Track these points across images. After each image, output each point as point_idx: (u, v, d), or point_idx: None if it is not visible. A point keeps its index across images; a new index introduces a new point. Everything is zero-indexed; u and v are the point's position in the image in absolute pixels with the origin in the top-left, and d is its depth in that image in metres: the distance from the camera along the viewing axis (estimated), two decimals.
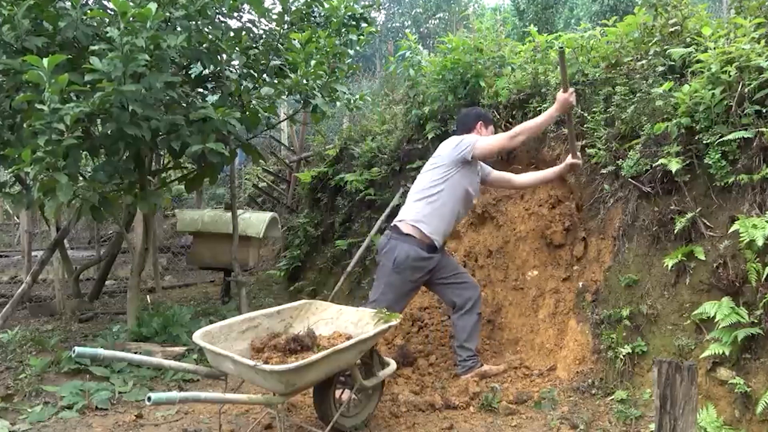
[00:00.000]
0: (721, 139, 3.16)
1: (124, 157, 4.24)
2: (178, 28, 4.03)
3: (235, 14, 4.60)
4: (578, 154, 3.84)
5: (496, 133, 3.92)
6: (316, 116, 5.09)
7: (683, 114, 3.37)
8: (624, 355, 3.33)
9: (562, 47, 3.60)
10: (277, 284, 6.94)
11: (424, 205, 3.63)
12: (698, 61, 3.41)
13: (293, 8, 4.79)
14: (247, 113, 4.59)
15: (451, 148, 3.68)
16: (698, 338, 3.12)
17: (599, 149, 3.83)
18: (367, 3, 5.42)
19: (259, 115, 4.73)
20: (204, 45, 4.28)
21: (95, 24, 3.96)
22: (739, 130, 3.12)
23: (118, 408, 3.50)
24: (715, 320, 2.91)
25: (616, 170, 3.75)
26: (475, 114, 3.89)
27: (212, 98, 4.83)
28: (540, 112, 4.26)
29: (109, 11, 4.00)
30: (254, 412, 3.39)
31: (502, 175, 4.02)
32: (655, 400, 1.93)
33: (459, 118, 3.98)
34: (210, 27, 4.24)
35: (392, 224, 3.75)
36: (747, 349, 2.86)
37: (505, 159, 4.55)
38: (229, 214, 5.45)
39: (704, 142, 3.28)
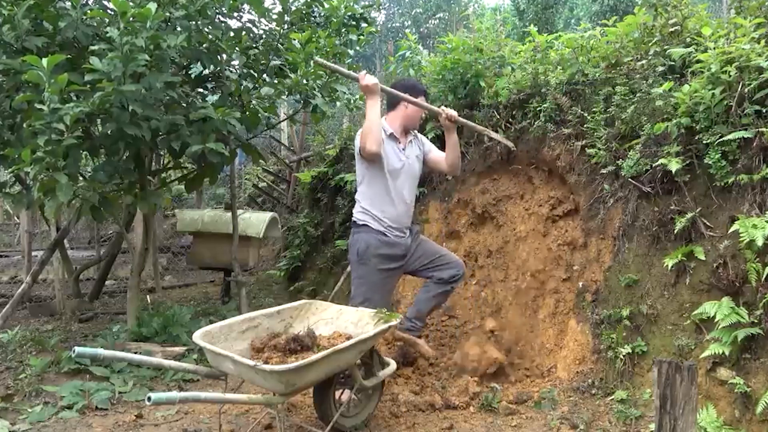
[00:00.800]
0: (721, 139, 3.17)
1: (124, 157, 4.24)
2: (178, 28, 4.03)
3: (235, 14, 4.60)
4: (440, 109, 3.68)
5: (426, 101, 3.81)
6: (316, 116, 5.09)
7: (683, 114, 3.37)
8: (624, 355, 3.33)
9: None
10: (277, 284, 6.93)
11: (361, 198, 3.67)
12: (698, 61, 3.41)
13: (293, 8, 4.79)
14: (247, 113, 4.59)
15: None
16: (698, 338, 3.12)
17: (599, 149, 3.83)
18: (367, 3, 5.42)
19: (259, 115, 4.73)
20: (204, 45, 4.28)
21: (95, 24, 3.95)
22: (739, 130, 3.12)
23: (118, 408, 3.50)
24: (715, 320, 2.91)
25: (616, 170, 3.75)
26: (401, 87, 3.69)
27: (212, 98, 4.83)
28: (540, 112, 4.27)
29: (109, 11, 4.00)
30: (254, 412, 3.39)
31: (436, 157, 3.88)
32: (655, 400, 1.93)
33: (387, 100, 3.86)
34: (210, 27, 4.24)
35: (351, 221, 3.77)
36: (747, 349, 2.86)
37: (505, 159, 4.55)
38: (229, 214, 5.44)
39: (704, 142, 3.28)
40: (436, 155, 3.88)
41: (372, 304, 3.30)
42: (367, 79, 3.47)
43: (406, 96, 3.62)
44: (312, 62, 4.11)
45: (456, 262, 3.80)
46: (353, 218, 3.71)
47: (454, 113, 3.68)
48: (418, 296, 3.84)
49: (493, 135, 3.99)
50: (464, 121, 3.89)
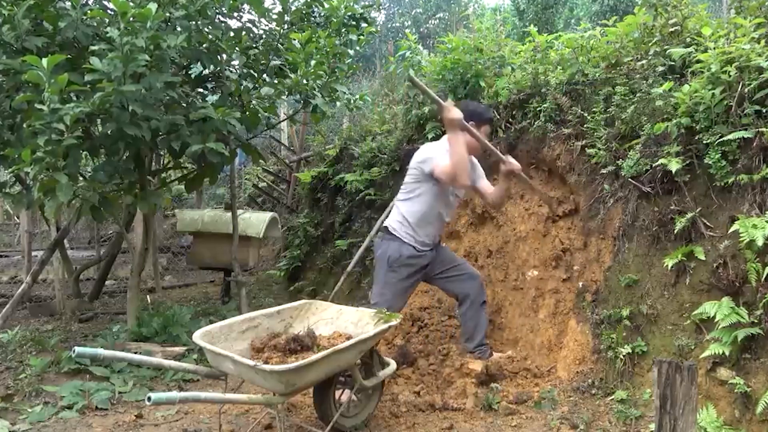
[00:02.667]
0: (721, 139, 3.16)
1: (124, 157, 4.24)
2: (178, 28, 4.03)
3: (235, 14, 4.60)
4: (505, 157, 3.68)
5: (491, 132, 3.86)
6: (316, 116, 5.09)
7: (683, 114, 3.37)
8: (624, 355, 3.33)
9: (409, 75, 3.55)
10: (277, 284, 6.94)
11: (405, 211, 3.70)
12: (698, 61, 3.41)
13: (293, 8, 4.80)
14: (247, 113, 4.59)
15: (417, 161, 3.67)
16: (698, 338, 3.12)
17: (599, 149, 3.83)
18: (367, 3, 5.42)
19: (259, 115, 4.73)
20: (204, 45, 4.28)
21: (95, 24, 3.96)
22: (739, 130, 3.12)
23: (118, 408, 3.50)
24: (715, 320, 2.91)
25: (616, 170, 3.75)
26: (468, 113, 3.63)
27: (212, 98, 4.83)
28: (540, 112, 4.27)
29: (109, 11, 4.00)
30: (254, 412, 3.39)
31: (484, 188, 3.87)
32: (655, 400, 1.93)
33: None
34: (210, 27, 4.24)
35: (383, 226, 3.83)
36: (747, 349, 2.86)
37: None
38: (229, 214, 5.44)
39: (704, 142, 3.28)
40: (485, 186, 3.87)
41: (393, 310, 3.34)
42: (454, 112, 3.40)
43: (474, 132, 3.54)
44: (407, 79, 4.09)
45: (471, 273, 3.90)
46: (388, 225, 3.75)
47: (517, 167, 3.64)
48: (463, 318, 3.89)
49: (546, 196, 4.09)
50: (524, 177, 3.82)
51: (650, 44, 3.92)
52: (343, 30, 5.05)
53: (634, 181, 3.63)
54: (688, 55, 3.62)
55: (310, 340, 2.94)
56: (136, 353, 3.48)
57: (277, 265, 7.11)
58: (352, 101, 5.24)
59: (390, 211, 4.70)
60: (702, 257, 3.17)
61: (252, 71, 4.78)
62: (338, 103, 5.21)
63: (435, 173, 3.56)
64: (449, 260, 3.89)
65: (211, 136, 4.02)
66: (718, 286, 3.08)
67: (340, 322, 3.24)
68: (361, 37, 5.20)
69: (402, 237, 3.67)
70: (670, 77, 3.63)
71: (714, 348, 2.87)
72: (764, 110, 3.14)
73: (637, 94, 3.72)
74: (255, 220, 5.94)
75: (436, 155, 3.61)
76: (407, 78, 3.76)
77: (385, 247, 3.70)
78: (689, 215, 3.26)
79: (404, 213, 3.70)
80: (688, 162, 3.37)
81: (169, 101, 4.01)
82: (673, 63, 3.73)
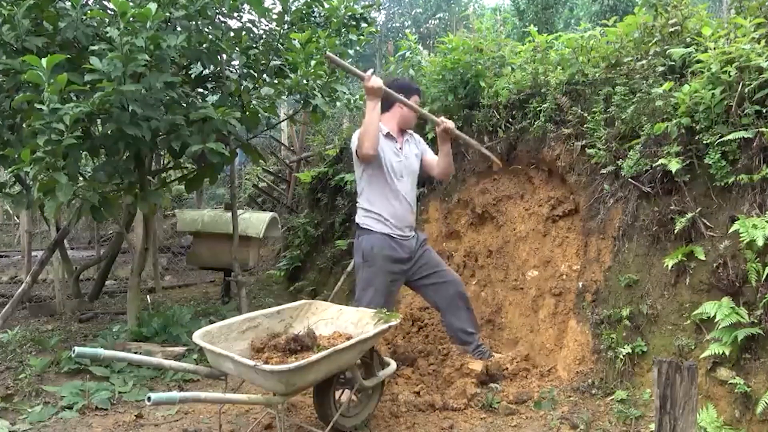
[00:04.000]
0: (721, 139, 3.16)
1: (124, 157, 4.24)
2: (178, 28, 4.03)
3: (235, 14, 4.60)
4: (439, 119, 3.73)
5: (420, 103, 3.87)
6: (316, 116, 5.09)
7: (683, 114, 3.37)
8: (624, 355, 3.33)
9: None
10: (277, 284, 6.94)
11: (362, 200, 3.69)
12: (698, 61, 3.41)
13: (293, 8, 4.79)
14: (247, 113, 4.59)
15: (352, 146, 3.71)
16: (698, 338, 3.12)
17: (599, 149, 3.83)
18: (367, 3, 5.42)
19: (259, 115, 4.73)
20: (204, 45, 4.27)
21: (95, 24, 3.96)
22: (739, 130, 3.12)
23: (118, 408, 3.50)
24: (715, 320, 2.91)
25: (616, 170, 3.75)
26: (396, 86, 3.70)
27: (212, 98, 4.83)
28: (540, 112, 4.27)
29: (109, 11, 4.01)
30: (254, 412, 3.39)
31: (430, 160, 3.91)
32: (655, 400, 1.93)
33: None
34: (210, 27, 4.24)
35: (354, 225, 3.79)
36: (747, 349, 2.85)
37: (504, 159, 4.54)
38: (229, 214, 5.44)
39: (704, 142, 3.28)
40: (430, 158, 3.93)
41: (377, 308, 3.31)
42: (373, 80, 3.45)
43: (402, 98, 3.64)
44: (324, 57, 4.14)
45: (454, 280, 3.85)
46: (356, 222, 3.73)
47: (451, 125, 3.68)
48: (449, 329, 3.89)
49: (485, 151, 4.04)
50: (460, 134, 3.87)
51: (650, 44, 3.92)
52: (343, 30, 5.05)
53: (634, 181, 3.63)
54: (688, 55, 3.62)
55: (310, 340, 2.94)
56: (136, 353, 3.48)
57: (277, 265, 7.12)
58: (352, 101, 5.24)
59: None
60: (702, 257, 3.17)
61: (252, 71, 4.78)
62: (338, 103, 5.21)
63: (355, 145, 3.59)
64: (434, 263, 3.82)
65: (211, 136, 4.02)
66: (718, 286, 3.08)
67: (340, 322, 3.24)
68: (361, 37, 5.19)
69: (371, 227, 3.61)
70: (670, 77, 3.63)
71: (714, 348, 2.87)
72: (764, 110, 3.14)
73: (637, 94, 3.72)
74: (255, 220, 5.94)
75: (356, 135, 3.63)
76: (324, 57, 3.79)
77: (357, 244, 3.67)
78: (689, 215, 3.26)
79: (362, 203, 3.68)
80: (688, 162, 3.37)
81: (169, 101, 4.01)
82: (673, 63, 3.73)
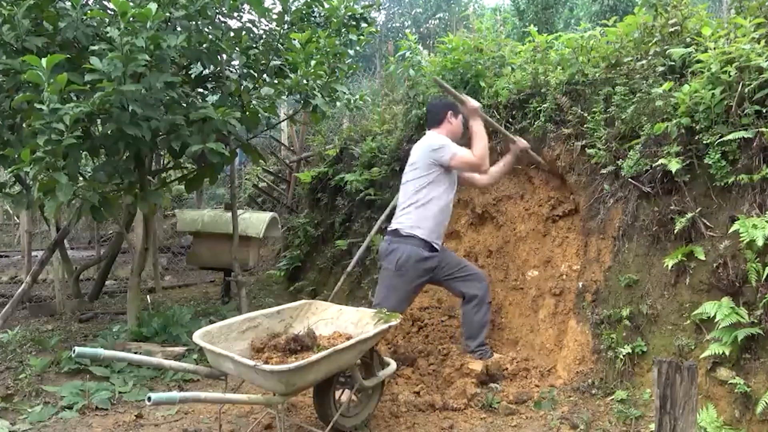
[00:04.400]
0: (721, 139, 3.16)
1: (124, 157, 4.24)
2: (178, 28, 4.03)
3: (235, 14, 4.60)
4: (515, 137, 4.10)
5: (464, 123, 4.00)
6: (316, 116, 5.09)
7: (683, 114, 3.37)
8: (624, 355, 3.33)
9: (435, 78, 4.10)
10: (277, 284, 6.93)
11: (415, 211, 3.71)
12: (698, 61, 3.41)
13: (293, 8, 4.79)
14: (247, 113, 4.59)
15: (427, 152, 3.72)
16: (698, 338, 3.12)
17: (599, 149, 3.83)
18: (367, 3, 5.42)
19: (259, 115, 4.72)
20: (204, 45, 4.27)
21: (95, 24, 3.96)
22: (739, 130, 3.12)
23: (118, 408, 3.50)
24: (715, 320, 2.91)
25: (616, 170, 3.75)
26: (443, 105, 3.96)
27: (212, 98, 4.83)
28: (540, 112, 4.27)
29: (109, 11, 4.01)
30: (254, 412, 3.39)
31: (471, 175, 4.08)
32: (655, 400, 1.93)
33: (428, 109, 4.04)
34: (210, 27, 4.24)
35: (390, 229, 3.82)
36: (747, 349, 2.85)
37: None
38: (229, 214, 5.44)
39: (704, 142, 3.28)
40: (467, 175, 4.09)
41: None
42: (473, 102, 3.85)
43: (494, 123, 4.07)
44: (432, 80, 4.52)
45: (479, 274, 3.94)
46: (398, 227, 3.74)
47: (527, 144, 4.12)
48: (462, 323, 3.93)
49: (537, 158, 4.25)
50: (534, 154, 4.20)
51: (650, 44, 3.92)
52: (343, 30, 5.05)
53: (634, 181, 3.63)
54: (688, 55, 3.62)
55: (310, 340, 2.94)
56: (136, 353, 3.48)
57: (277, 265, 7.12)
58: (352, 101, 5.24)
59: (390, 212, 4.73)
60: (702, 257, 3.17)
61: (252, 71, 4.78)
62: (338, 103, 5.21)
63: (453, 162, 3.66)
64: (455, 263, 3.90)
65: (211, 136, 4.02)
66: (718, 286, 3.08)
67: (340, 322, 3.24)
68: (361, 37, 5.19)
69: (416, 235, 3.65)
70: (670, 77, 3.63)
71: (714, 348, 2.87)
72: (764, 110, 3.14)
73: (637, 94, 3.72)
74: (255, 220, 5.94)
75: (450, 144, 3.72)
76: (433, 80, 4.24)
77: (393, 250, 3.69)
78: (689, 215, 3.26)
79: (416, 209, 3.69)
80: (688, 162, 3.37)
81: (169, 101, 4.01)
82: (673, 63, 3.73)
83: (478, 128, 3.76)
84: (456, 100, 3.87)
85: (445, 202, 3.77)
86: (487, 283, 3.93)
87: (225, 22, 4.57)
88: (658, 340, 3.31)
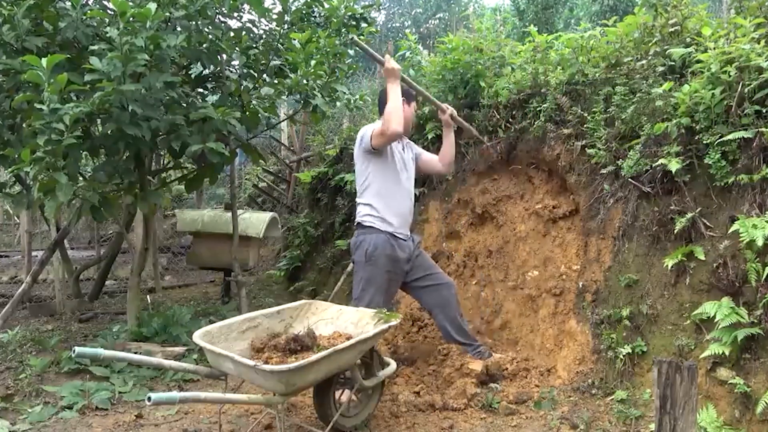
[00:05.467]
0: (721, 139, 3.17)
1: (124, 157, 4.24)
2: (178, 28, 4.03)
3: (235, 14, 4.60)
4: (442, 105, 4.01)
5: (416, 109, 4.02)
6: (316, 116, 5.09)
7: (683, 114, 3.37)
8: (624, 355, 3.33)
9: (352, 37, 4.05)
10: (277, 284, 6.94)
11: (365, 197, 3.70)
12: (698, 61, 3.41)
13: (293, 8, 4.79)
14: (247, 113, 4.59)
15: (357, 146, 3.74)
16: (698, 338, 3.12)
17: (599, 149, 3.83)
18: (367, 3, 5.42)
19: (259, 115, 4.73)
20: (204, 45, 4.27)
21: (95, 24, 3.96)
22: (739, 130, 3.12)
23: (118, 408, 3.50)
24: (715, 320, 2.91)
25: (616, 170, 3.75)
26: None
27: (212, 98, 4.83)
28: (540, 112, 4.27)
29: (109, 11, 4.01)
30: (254, 412, 3.39)
31: (429, 157, 4.04)
32: (655, 400, 1.93)
33: (379, 97, 3.92)
34: (210, 27, 4.24)
35: (356, 223, 3.79)
36: (747, 349, 2.86)
37: (504, 159, 4.55)
38: (229, 214, 5.44)
39: (704, 142, 3.28)
40: (429, 156, 4.07)
41: (376, 307, 3.31)
42: (392, 62, 3.61)
43: (417, 86, 3.87)
44: (350, 41, 4.48)
45: (449, 283, 3.88)
46: (358, 220, 3.72)
47: (454, 112, 3.98)
48: (444, 330, 3.88)
49: (476, 133, 4.29)
50: (460, 120, 4.13)
51: (650, 44, 3.92)
52: (343, 30, 5.05)
53: (634, 181, 3.63)
54: (688, 55, 3.62)
55: (310, 340, 2.94)
56: (136, 353, 3.48)
57: (277, 265, 7.12)
58: (352, 101, 5.24)
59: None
60: (702, 257, 3.17)
61: (252, 71, 4.78)
62: (338, 103, 5.21)
63: (374, 142, 3.59)
64: (427, 266, 3.84)
65: (211, 136, 4.02)
66: (718, 286, 3.08)
67: (340, 322, 3.24)
68: (361, 37, 5.19)
69: (375, 225, 3.61)
70: (670, 77, 3.63)
71: (714, 348, 2.87)
72: (764, 110, 3.14)
73: (637, 94, 3.72)
74: (255, 220, 5.94)
75: (368, 128, 3.70)
76: (350, 40, 4.10)
77: (359, 242, 3.66)
78: (689, 215, 3.26)
79: (367, 200, 3.67)
80: (688, 162, 3.37)
81: (169, 101, 4.01)
82: (673, 63, 3.73)
83: (391, 91, 3.54)
84: (374, 60, 3.73)
85: (386, 182, 3.65)
86: (454, 292, 3.84)
87: (225, 22, 4.57)
88: (658, 340, 3.31)
